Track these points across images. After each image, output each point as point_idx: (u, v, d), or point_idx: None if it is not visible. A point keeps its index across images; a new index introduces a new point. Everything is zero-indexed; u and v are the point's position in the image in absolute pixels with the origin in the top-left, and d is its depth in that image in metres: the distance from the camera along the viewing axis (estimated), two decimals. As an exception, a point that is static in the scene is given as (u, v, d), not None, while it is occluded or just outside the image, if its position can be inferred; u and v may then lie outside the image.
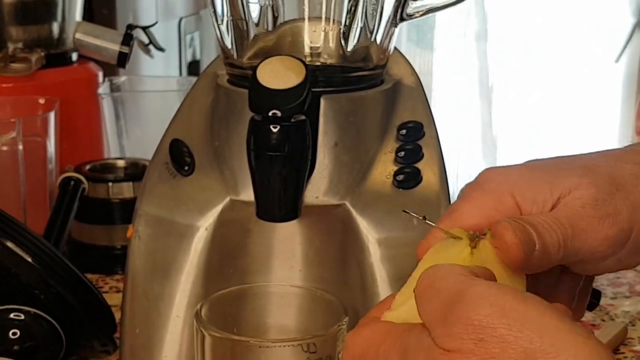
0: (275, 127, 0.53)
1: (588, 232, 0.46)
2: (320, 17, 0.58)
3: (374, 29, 0.60)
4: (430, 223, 0.48)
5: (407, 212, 0.51)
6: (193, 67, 2.09)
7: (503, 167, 0.50)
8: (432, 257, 0.46)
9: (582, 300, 0.52)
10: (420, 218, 0.49)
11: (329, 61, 0.60)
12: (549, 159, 0.51)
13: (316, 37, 0.59)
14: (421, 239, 0.58)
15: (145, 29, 1.23)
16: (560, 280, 0.50)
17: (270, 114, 0.53)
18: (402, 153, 0.60)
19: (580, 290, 0.51)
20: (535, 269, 0.44)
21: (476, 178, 0.50)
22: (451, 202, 0.61)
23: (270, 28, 0.59)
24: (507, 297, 0.37)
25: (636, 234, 0.47)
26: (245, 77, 0.58)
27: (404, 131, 0.61)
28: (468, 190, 0.49)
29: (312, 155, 0.57)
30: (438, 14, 0.63)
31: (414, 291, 0.42)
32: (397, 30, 0.62)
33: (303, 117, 0.54)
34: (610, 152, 0.51)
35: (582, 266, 0.47)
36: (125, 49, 1.15)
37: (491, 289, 0.38)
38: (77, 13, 1.15)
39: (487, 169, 0.50)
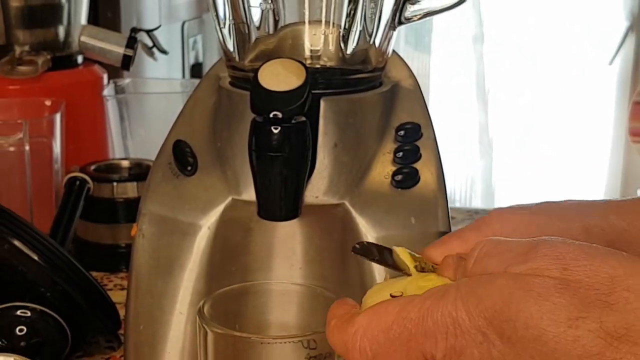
0: (276, 128, 0.53)
1: None
2: (320, 21, 0.58)
3: (372, 32, 0.60)
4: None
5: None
6: (196, 70, 2.09)
7: (506, 211, 0.49)
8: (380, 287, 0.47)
9: None
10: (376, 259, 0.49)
11: (328, 64, 0.60)
12: (560, 207, 0.49)
13: (316, 40, 0.59)
14: (419, 239, 0.59)
15: (149, 32, 1.23)
16: None
17: (271, 115, 0.53)
18: (400, 154, 0.60)
19: None
20: None
21: (480, 219, 0.49)
22: (448, 201, 0.61)
23: (271, 31, 0.59)
24: (578, 243, 0.38)
25: None
26: (246, 80, 0.58)
27: (402, 132, 0.61)
28: (466, 228, 0.49)
29: (312, 156, 0.57)
30: (435, 17, 0.62)
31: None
32: (395, 33, 0.62)
33: (303, 119, 0.54)
34: (626, 206, 0.49)
35: None
36: (130, 52, 1.15)
37: (562, 238, 0.39)
38: (83, 16, 1.15)
39: (493, 212, 0.49)
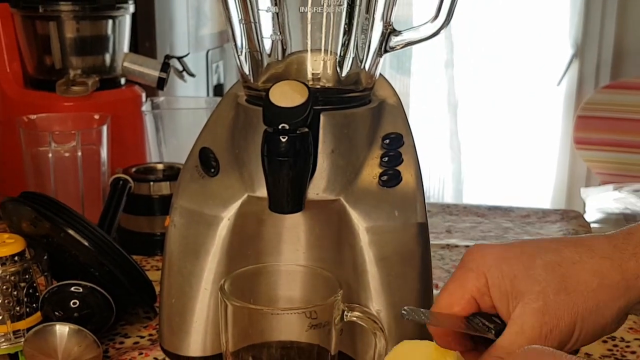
0: (284, 138, 0.53)
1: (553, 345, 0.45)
2: (320, 49, 0.58)
3: (363, 58, 0.60)
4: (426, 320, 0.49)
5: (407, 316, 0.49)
6: (218, 89, 2.09)
7: (485, 247, 0.49)
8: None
9: None
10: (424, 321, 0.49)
11: (327, 84, 0.60)
12: (525, 244, 0.49)
13: (317, 65, 0.59)
14: (401, 229, 0.59)
15: (179, 58, 1.23)
16: None
17: (279, 127, 0.53)
18: (386, 158, 0.60)
19: None
20: None
21: (463, 258, 0.50)
22: (425, 196, 0.61)
23: (280, 58, 0.59)
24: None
25: (581, 337, 0.45)
26: (260, 97, 0.58)
27: (387, 141, 0.61)
28: (456, 270, 0.49)
29: (314, 160, 0.57)
30: (414, 46, 0.63)
31: None
32: (381, 59, 0.62)
33: (306, 130, 0.54)
34: (581, 242, 0.47)
35: None
36: (164, 75, 1.15)
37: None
38: (125, 45, 1.15)
39: (472, 248, 0.49)
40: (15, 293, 0.67)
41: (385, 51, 0.61)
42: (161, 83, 1.15)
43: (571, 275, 0.45)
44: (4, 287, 0.66)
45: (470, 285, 0.48)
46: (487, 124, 2.94)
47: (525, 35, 2.85)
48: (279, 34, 0.58)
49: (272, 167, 0.54)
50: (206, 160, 0.62)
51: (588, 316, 0.45)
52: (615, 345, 0.72)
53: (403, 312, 0.48)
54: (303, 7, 0.56)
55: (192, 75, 1.25)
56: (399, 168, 0.60)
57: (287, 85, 0.54)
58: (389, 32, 0.60)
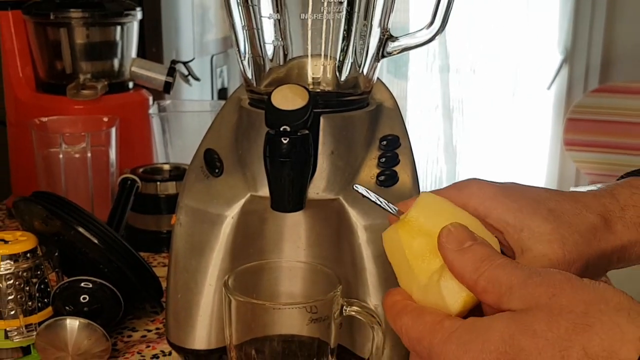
0: (285, 139, 0.53)
1: None
2: (320, 55, 0.58)
3: (361, 63, 0.60)
4: (382, 204, 0.46)
5: (357, 190, 0.47)
6: (222, 93, 2.09)
7: (485, 181, 0.47)
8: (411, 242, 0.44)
9: None
10: (372, 199, 0.47)
11: (326, 88, 0.60)
12: (524, 187, 0.48)
13: (317, 70, 0.59)
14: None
15: (185, 63, 1.23)
16: None
17: (281, 129, 0.53)
18: (383, 159, 0.60)
19: None
20: None
21: (460, 182, 0.48)
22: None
23: (281, 63, 0.59)
24: (568, 273, 0.37)
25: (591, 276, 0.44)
26: (262, 101, 0.58)
27: (384, 142, 0.61)
28: (447, 187, 0.48)
29: (314, 161, 0.57)
30: (411, 52, 0.62)
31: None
32: (379, 64, 0.62)
33: (307, 132, 0.54)
34: (577, 197, 0.47)
35: None
36: (170, 79, 1.15)
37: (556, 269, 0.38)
38: (133, 51, 1.15)
39: (472, 179, 0.48)
40: (27, 288, 0.67)
41: (383, 56, 0.61)
42: (167, 87, 1.15)
43: (575, 225, 0.45)
44: (17, 282, 0.66)
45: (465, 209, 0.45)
46: (480, 126, 2.94)
47: (517, 41, 2.85)
48: (280, 39, 0.58)
49: (274, 167, 0.54)
50: (211, 161, 0.62)
51: (593, 263, 0.45)
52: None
53: (356, 187, 0.46)
54: (304, 14, 0.56)
55: (197, 79, 1.25)
56: (396, 168, 0.60)
57: (288, 89, 0.54)
58: (386, 38, 0.60)
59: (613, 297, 0.35)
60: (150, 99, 1.16)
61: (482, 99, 2.93)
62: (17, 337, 0.67)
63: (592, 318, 0.34)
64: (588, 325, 0.34)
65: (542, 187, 0.48)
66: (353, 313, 0.54)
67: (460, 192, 0.47)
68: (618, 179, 0.50)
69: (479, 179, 0.48)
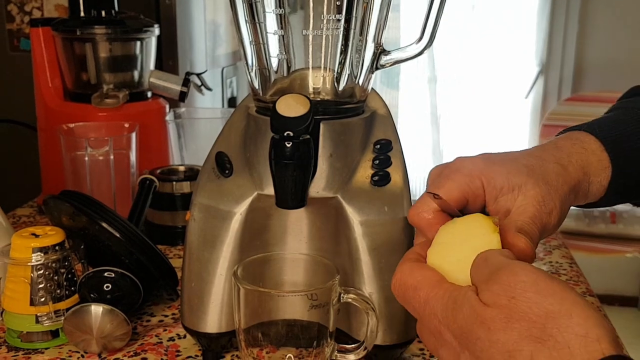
0: (288, 143, 0.53)
1: (546, 225, 0.46)
2: (320, 67, 0.58)
3: (357, 75, 0.60)
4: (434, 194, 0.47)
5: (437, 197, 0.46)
6: (231, 102, 2.09)
7: (470, 157, 0.49)
8: (458, 232, 0.43)
9: None
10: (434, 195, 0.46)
11: (326, 97, 0.60)
12: (498, 154, 0.50)
13: (317, 80, 0.59)
14: (390, 222, 0.58)
15: (198, 75, 1.22)
16: None
17: (285, 134, 0.53)
18: (377, 161, 0.60)
19: None
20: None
21: (451, 163, 0.49)
22: (411, 196, 0.61)
23: (285, 74, 0.59)
24: (539, 273, 0.36)
25: (562, 218, 0.47)
26: (267, 109, 0.58)
27: (378, 146, 0.61)
28: (446, 172, 0.48)
29: (314, 163, 0.57)
30: (402, 64, 0.62)
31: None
32: (373, 75, 0.62)
33: (308, 136, 0.54)
34: (534, 153, 0.49)
35: None
36: (185, 89, 1.15)
37: (527, 266, 0.36)
38: (151, 63, 1.14)
39: (459, 158, 0.49)
40: (56, 278, 0.67)
41: (377, 68, 0.61)
42: (182, 96, 1.15)
43: (547, 173, 0.47)
44: (47, 272, 0.66)
45: (466, 187, 0.46)
46: (465, 131, 2.94)
47: (498, 55, 2.86)
48: (284, 53, 0.58)
49: (279, 168, 0.54)
50: (221, 162, 0.62)
51: (560, 205, 0.47)
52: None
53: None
54: (305, 30, 0.56)
55: (209, 89, 1.25)
56: (389, 170, 0.60)
57: (292, 98, 0.54)
58: (380, 52, 0.60)
59: (580, 314, 0.33)
60: (167, 106, 1.16)
61: (466, 107, 2.93)
62: (47, 321, 0.67)
63: (547, 334, 0.33)
64: (542, 338, 0.33)
65: (504, 152, 0.50)
66: (350, 300, 0.54)
67: (460, 173, 0.47)
68: (557, 135, 0.54)
69: (462, 157, 0.49)
